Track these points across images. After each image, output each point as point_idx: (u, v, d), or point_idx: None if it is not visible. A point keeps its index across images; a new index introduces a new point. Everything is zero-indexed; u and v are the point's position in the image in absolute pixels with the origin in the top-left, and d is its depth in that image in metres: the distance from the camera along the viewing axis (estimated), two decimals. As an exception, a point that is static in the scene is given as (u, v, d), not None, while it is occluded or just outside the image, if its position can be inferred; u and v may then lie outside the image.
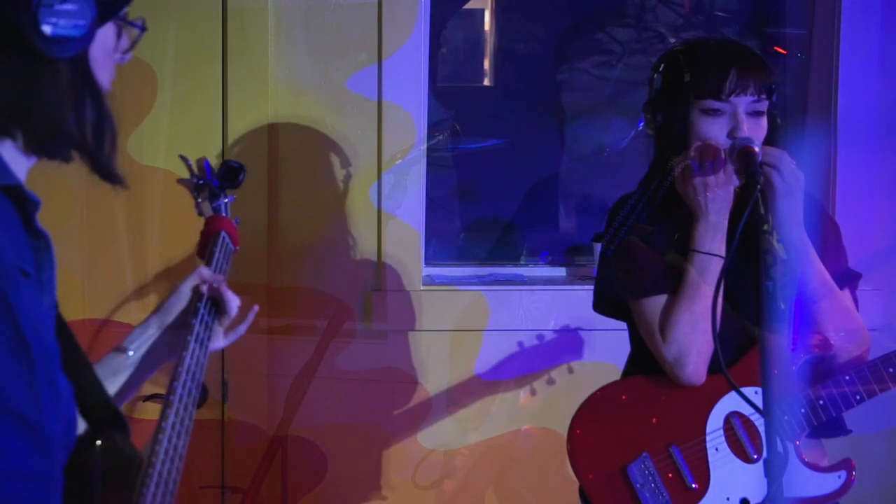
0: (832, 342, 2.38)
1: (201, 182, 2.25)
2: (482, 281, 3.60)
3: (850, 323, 2.40)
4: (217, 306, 1.94)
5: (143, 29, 1.57)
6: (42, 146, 1.50)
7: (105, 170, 1.54)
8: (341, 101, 3.40)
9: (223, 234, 2.17)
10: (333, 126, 3.40)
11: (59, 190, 3.15)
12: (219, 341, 1.97)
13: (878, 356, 2.41)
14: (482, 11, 4.35)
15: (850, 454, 2.53)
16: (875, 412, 3.28)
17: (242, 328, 2.02)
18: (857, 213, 3.48)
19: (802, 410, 2.37)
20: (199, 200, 2.25)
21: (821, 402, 2.38)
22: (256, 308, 2.07)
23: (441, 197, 4.01)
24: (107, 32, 1.52)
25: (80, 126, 1.51)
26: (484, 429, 3.54)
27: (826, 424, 2.42)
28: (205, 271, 1.98)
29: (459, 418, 3.52)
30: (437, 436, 3.52)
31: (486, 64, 4.38)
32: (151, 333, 1.94)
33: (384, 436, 3.51)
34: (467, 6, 4.31)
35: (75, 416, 1.51)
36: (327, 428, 3.48)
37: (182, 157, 2.25)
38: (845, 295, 2.46)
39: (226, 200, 2.28)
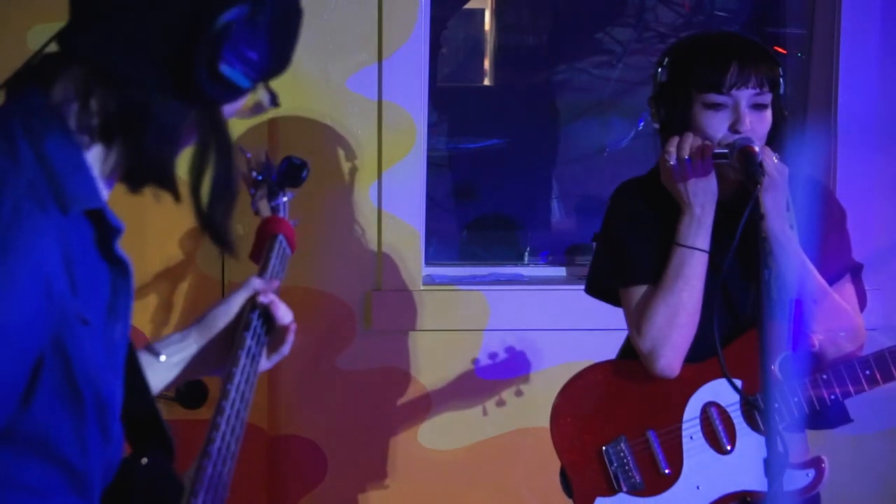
0: (816, 338, 2.38)
1: (260, 178, 2.06)
2: (482, 281, 3.60)
3: (839, 321, 2.40)
4: (269, 322, 1.76)
5: (275, 104, 1.49)
6: (136, 173, 1.41)
7: (219, 232, 1.44)
8: (341, 101, 3.40)
9: (281, 237, 1.99)
10: (333, 126, 3.40)
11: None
12: (263, 362, 1.78)
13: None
14: (482, 11, 4.36)
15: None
16: (875, 412, 3.28)
17: (286, 348, 1.83)
18: (857, 213, 3.47)
19: (776, 405, 2.37)
20: (257, 198, 2.06)
21: (796, 399, 2.39)
22: (294, 326, 1.85)
23: (441, 197, 4.01)
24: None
25: (198, 178, 1.41)
26: (484, 429, 3.54)
27: (824, 415, 2.43)
28: (258, 283, 1.80)
29: (459, 418, 3.52)
30: (438, 435, 3.52)
31: (486, 64, 4.39)
32: (189, 343, 1.76)
33: (384, 436, 3.51)
34: (467, 6, 4.32)
35: (120, 456, 1.48)
36: (327, 428, 3.48)
37: (240, 149, 2.03)
38: (847, 285, 2.46)
39: (284, 199, 2.09)
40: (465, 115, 4.17)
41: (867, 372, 2.37)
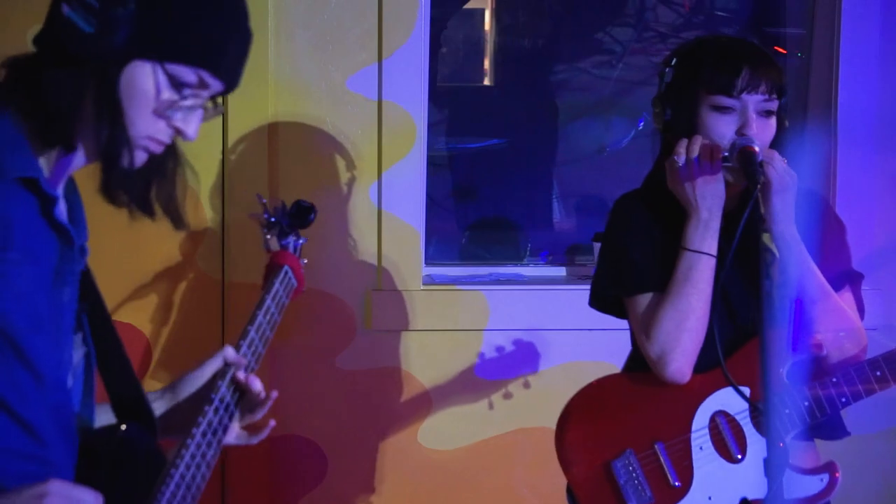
0: (823, 342, 2.37)
1: (273, 220, 2.22)
2: (482, 281, 3.60)
3: (843, 322, 2.39)
4: (241, 394, 1.80)
5: (216, 108, 1.65)
6: (42, 132, 1.55)
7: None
8: (341, 101, 3.40)
9: (286, 267, 2.11)
10: (334, 126, 3.40)
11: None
12: (231, 436, 1.83)
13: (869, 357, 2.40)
14: (482, 11, 4.36)
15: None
16: (875, 412, 3.28)
17: (255, 439, 1.89)
18: (857, 213, 3.48)
19: (787, 411, 2.36)
20: (268, 237, 2.21)
21: (806, 403, 2.37)
22: (273, 423, 1.91)
23: (441, 197, 4.01)
24: (143, 72, 1.55)
25: (97, 140, 1.55)
26: (484, 428, 3.54)
27: (824, 426, 2.42)
28: (230, 353, 1.84)
29: (459, 418, 3.52)
30: (437, 435, 3.52)
31: (486, 64, 4.39)
32: (160, 404, 1.81)
33: (384, 436, 3.51)
34: (467, 6, 4.32)
35: (71, 406, 1.58)
36: (327, 428, 3.48)
37: (258, 196, 2.24)
38: (846, 294, 2.45)
39: (296, 240, 2.22)
40: (465, 115, 4.18)
41: (878, 373, 2.36)
